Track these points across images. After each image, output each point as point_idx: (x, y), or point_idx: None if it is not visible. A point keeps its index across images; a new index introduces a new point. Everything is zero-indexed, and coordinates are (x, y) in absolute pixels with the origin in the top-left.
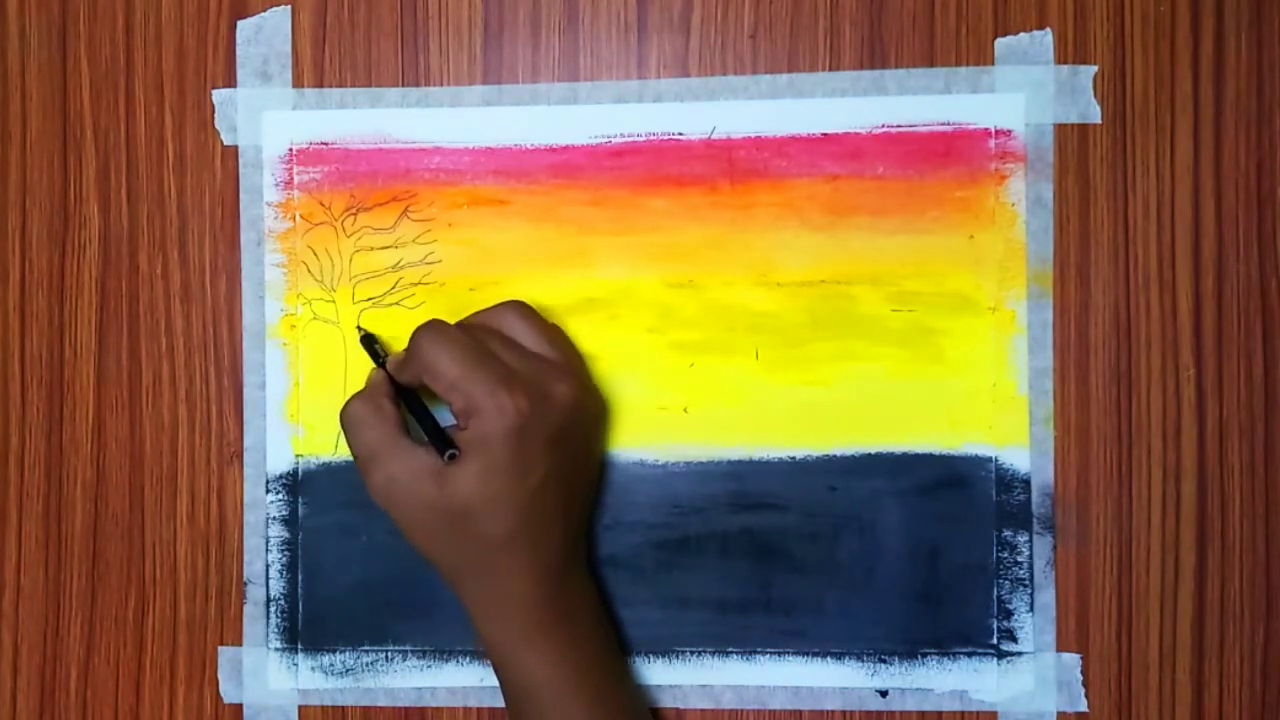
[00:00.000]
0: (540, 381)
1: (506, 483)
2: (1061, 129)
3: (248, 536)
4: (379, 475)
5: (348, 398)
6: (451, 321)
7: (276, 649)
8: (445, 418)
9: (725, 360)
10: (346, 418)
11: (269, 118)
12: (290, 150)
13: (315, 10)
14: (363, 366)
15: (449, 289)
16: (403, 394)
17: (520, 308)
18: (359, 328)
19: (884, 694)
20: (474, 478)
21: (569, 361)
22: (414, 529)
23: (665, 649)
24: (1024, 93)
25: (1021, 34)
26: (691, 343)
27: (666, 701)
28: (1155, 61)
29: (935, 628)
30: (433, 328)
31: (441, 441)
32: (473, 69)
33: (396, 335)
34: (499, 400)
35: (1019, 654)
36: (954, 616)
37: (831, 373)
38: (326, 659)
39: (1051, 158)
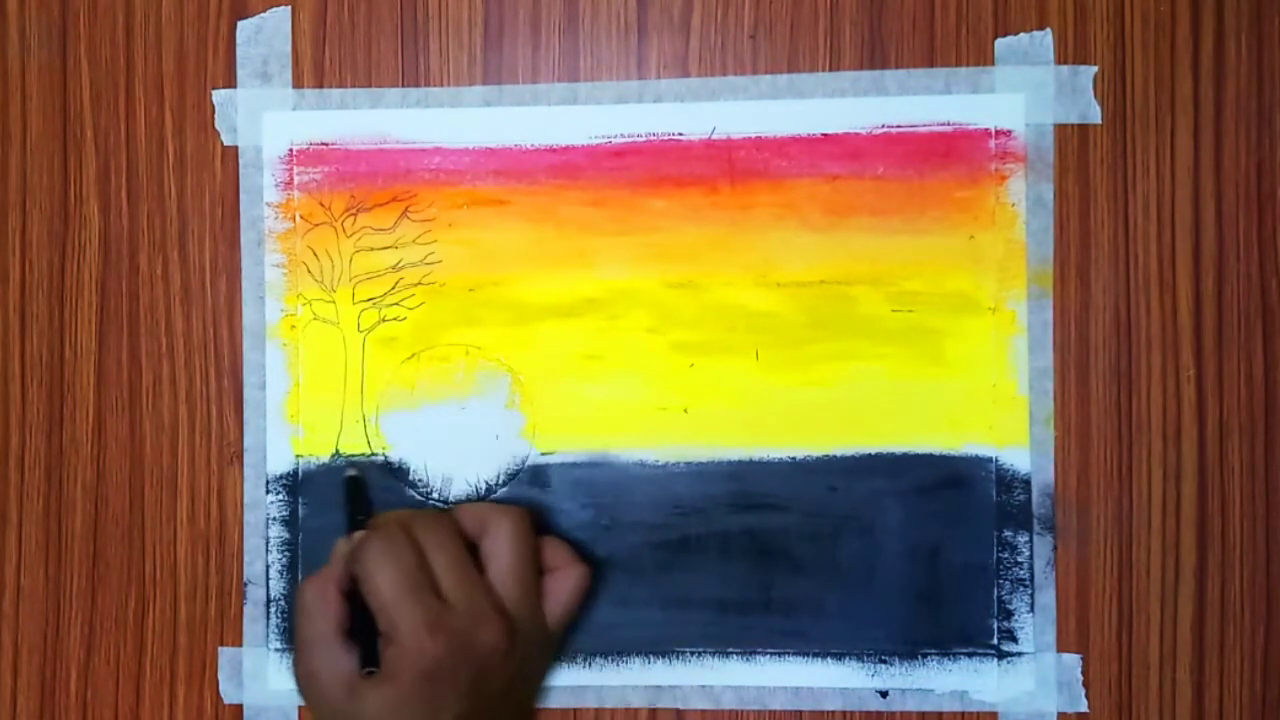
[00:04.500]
0: (469, 626)
1: (411, 718)
2: (1061, 129)
3: (248, 537)
4: (302, 668)
5: (305, 577)
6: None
7: (277, 649)
8: None
9: (725, 360)
10: (297, 600)
11: (269, 118)
12: (290, 151)
13: (315, 10)
14: (363, 369)
15: (449, 289)
16: (355, 584)
17: (517, 524)
18: (349, 467)
19: (884, 694)
20: (381, 704)
21: (522, 597)
22: None
23: (665, 649)
24: (1024, 93)
25: (1021, 34)
26: (691, 343)
27: (666, 702)
28: (1155, 61)
29: (935, 628)
30: (381, 539)
31: (368, 653)
32: (473, 69)
33: (398, 336)
34: (419, 642)
35: (1019, 654)
36: (954, 617)
37: (831, 373)
38: None
39: (1051, 158)
